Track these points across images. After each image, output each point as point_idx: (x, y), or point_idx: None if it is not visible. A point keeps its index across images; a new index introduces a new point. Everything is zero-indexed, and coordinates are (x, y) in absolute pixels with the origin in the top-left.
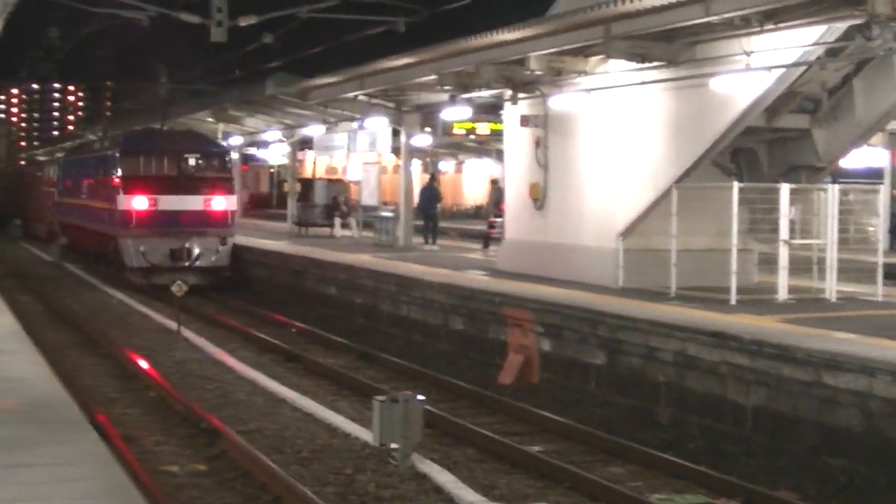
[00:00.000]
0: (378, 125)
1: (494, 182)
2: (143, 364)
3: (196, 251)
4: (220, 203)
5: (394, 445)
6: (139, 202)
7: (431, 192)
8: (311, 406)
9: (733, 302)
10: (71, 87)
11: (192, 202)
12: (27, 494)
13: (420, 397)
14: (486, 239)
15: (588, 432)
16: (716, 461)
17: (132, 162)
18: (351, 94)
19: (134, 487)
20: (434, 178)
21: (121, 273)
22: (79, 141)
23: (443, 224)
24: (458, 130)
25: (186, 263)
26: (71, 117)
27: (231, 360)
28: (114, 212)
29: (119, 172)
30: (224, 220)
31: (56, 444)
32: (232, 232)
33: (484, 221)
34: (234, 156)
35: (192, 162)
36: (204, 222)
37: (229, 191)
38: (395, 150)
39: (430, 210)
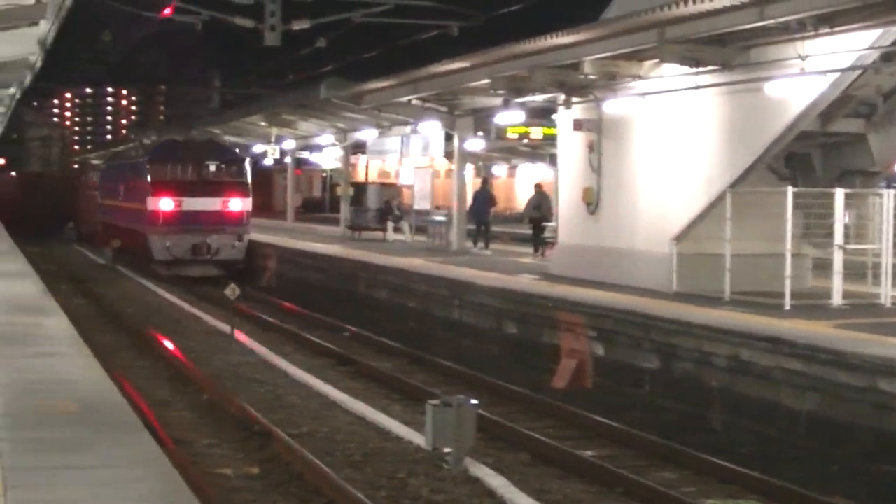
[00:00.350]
0: (431, 129)
1: (538, 186)
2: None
3: (215, 246)
4: (237, 204)
5: (446, 449)
6: (165, 203)
7: (485, 196)
8: (363, 409)
9: (787, 307)
10: (124, 92)
11: (212, 203)
12: (85, 496)
13: (473, 401)
14: (536, 243)
15: (641, 437)
16: (769, 466)
17: (160, 168)
18: (404, 98)
19: (189, 490)
20: (487, 182)
21: (150, 265)
22: (121, 147)
23: (495, 228)
24: (512, 135)
25: (206, 257)
26: (124, 121)
27: (284, 364)
28: (144, 212)
29: (148, 177)
30: (240, 219)
31: (111, 445)
32: (247, 230)
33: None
34: (285, 158)
35: (211, 168)
36: (222, 221)
37: (244, 194)
38: (448, 154)
39: (484, 214)
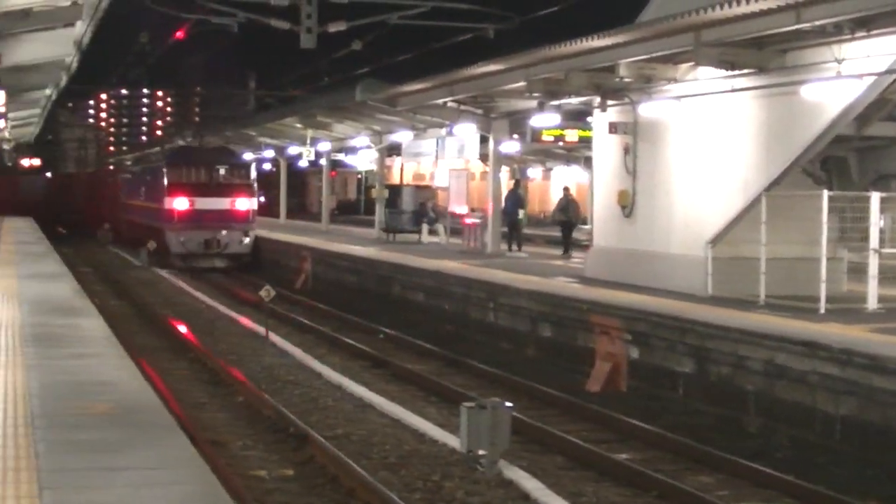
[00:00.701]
0: (466, 131)
1: (566, 190)
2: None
3: (224, 242)
4: (243, 204)
5: (481, 452)
6: (180, 203)
7: (514, 199)
8: (398, 412)
9: (822, 311)
10: (159, 93)
11: (221, 203)
12: (121, 497)
13: (508, 404)
14: (565, 245)
15: (676, 440)
16: (804, 471)
17: (175, 172)
18: (440, 101)
19: (224, 491)
20: (518, 184)
21: (167, 258)
22: (142, 152)
23: (529, 231)
24: (547, 137)
25: (217, 251)
26: (159, 122)
27: (319, 366)
28: (161, 210)
29: (165, 180)
30: (246, 217)
31: (148, 447)
32: (252, 226)
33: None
34: (290, 162)
35: (221, 172)
36: (230, 219)
37: (250, 194)
38: (483, 157)
39: (514, 216)
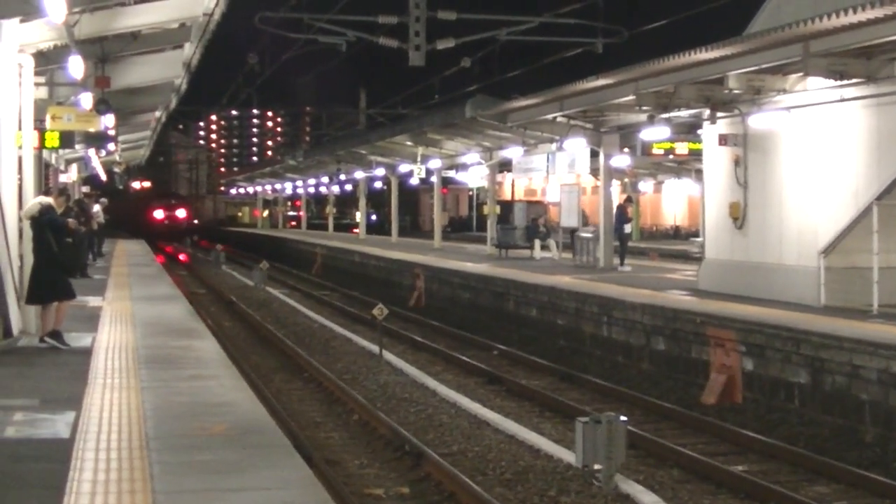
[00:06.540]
0: (577, 146)
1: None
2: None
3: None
4: (182, 213)
5: (597, 466)
6: (159, 213)
7: (619, 214)
8: (514, 428)
9: None
10: (269, 113)
11: (176, 213)
12: None
13: (623, 418)
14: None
15: (792, 451)
16: None
17: (157, 201)
18: (550, 116)
19: None
20: (630, 199)
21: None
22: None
23: (641, 244)
24: (657, 150)
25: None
26: (270, 143)
27: (434, 383)
28: (153, 216)
29: (153, 203)
30: (185, 218)
31: (266, 468)
32: (190, 222)
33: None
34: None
35: (173, 200)
36: (179, 218)
37: (188, 208)
38: (594, 171)
39: (620, 231)
